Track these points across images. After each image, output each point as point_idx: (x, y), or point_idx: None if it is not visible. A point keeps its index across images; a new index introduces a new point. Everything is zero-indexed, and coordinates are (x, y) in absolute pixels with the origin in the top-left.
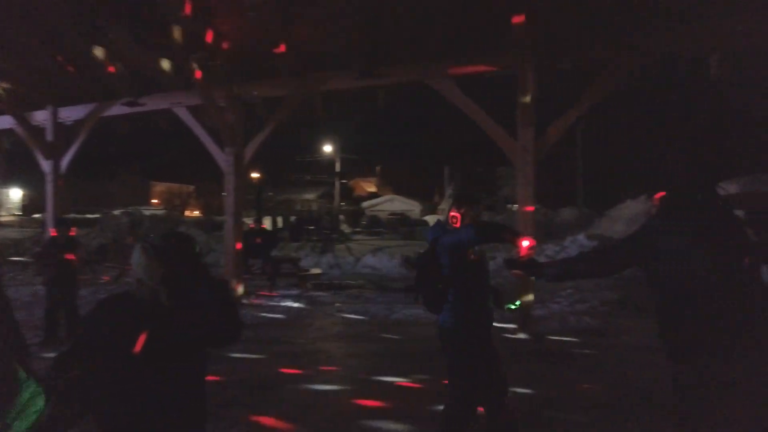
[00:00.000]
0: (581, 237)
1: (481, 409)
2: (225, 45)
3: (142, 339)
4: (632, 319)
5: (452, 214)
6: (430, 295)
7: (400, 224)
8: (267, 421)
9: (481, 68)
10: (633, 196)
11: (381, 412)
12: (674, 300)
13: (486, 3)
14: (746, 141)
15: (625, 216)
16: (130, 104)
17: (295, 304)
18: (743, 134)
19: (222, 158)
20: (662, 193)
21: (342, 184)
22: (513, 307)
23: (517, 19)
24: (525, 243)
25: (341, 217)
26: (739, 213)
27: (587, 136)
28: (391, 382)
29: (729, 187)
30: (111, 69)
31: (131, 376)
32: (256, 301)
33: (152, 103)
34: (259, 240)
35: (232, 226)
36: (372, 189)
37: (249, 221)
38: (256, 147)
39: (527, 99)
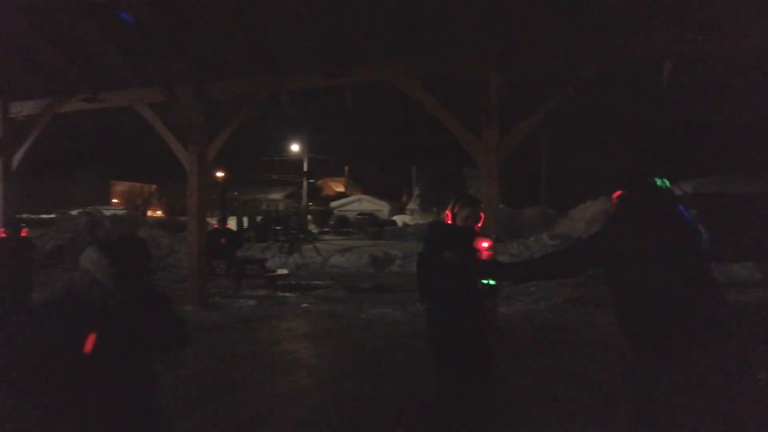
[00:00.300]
0: (545, 236)
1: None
2: (189, 41)
3: (91, 339)
4: (594, 316)
5: (446, 212)
6: (421, 291)
7: (369, 224)
8: (233, 423)
9: (446, 70)
10: (594, 196)
11: (349, 412)
12: (635, 297)
13: (451, 5)
14: (699, 144)
15: (587, 216)
16: (88, 100)
17: (262, 306)
18: (696, 137)
19: (185, 157)
20: (619, 192)
21: (310, 183)
22: (491, 283)
23: (482, 22)
24: (484, 244)
25: (309, 217)
26: (693, 212)
27: (551, 138)
28: (359, 382)
29: (684, 188)
30: (68, 63)
31: (82, 380)
32: (222, 303)
33: (112, 100)
34: (223, 240)
35: (196, 226)
36: (340, 189)
37: (213, 221)
38: (220, 145)
39: (491, 101)
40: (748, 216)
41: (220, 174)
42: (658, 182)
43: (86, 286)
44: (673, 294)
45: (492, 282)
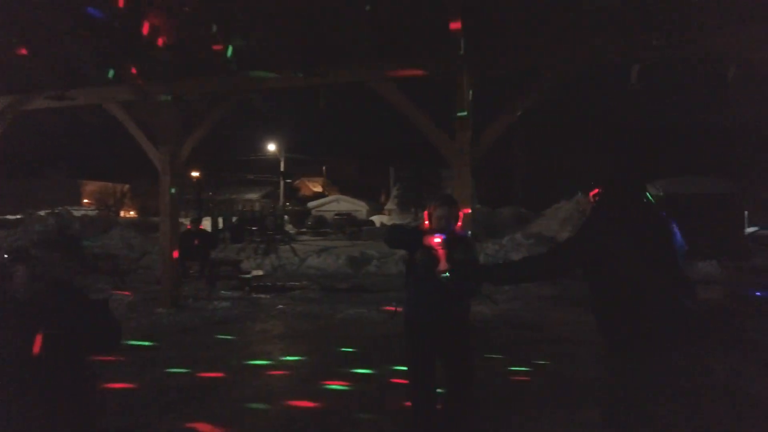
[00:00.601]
0: (519, 236)
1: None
2: (161, 40)
3: (38, 341)
4: (567, 314)
5: (425, 212)
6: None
7: (347, 224)
8: (204, 426)
9: (419, 72)
10: (567, 196)
11: (322, 414)
12: (612, 295)
13: (424, 8)
14: (666, 145)
15: (560, 216)
16: (55, 98)
17: (236, 307)
18: (661, 139)
19: (157, 157)
20: (597, 190)
21: (287, 183)
22: (447, 275)
23: (454, 25)
24: (436, 240)
25: (286, 217)
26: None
27: (526, 139)
28: (334, 383)
29: (653, 188)
30: (24, 53)
31: (27, 381)
32: (195, 305)
33: (81, 98)
34: (197, 242)
35: (168, 228)
36: (318, 189)
37: (186, 221)
38: (194, 145)
39: (464, 102)
40: (713, 215)
41: (195, 174)
42: (638, 184)
43: (26, 289)
44: (649, 292)
45: (447, 274)
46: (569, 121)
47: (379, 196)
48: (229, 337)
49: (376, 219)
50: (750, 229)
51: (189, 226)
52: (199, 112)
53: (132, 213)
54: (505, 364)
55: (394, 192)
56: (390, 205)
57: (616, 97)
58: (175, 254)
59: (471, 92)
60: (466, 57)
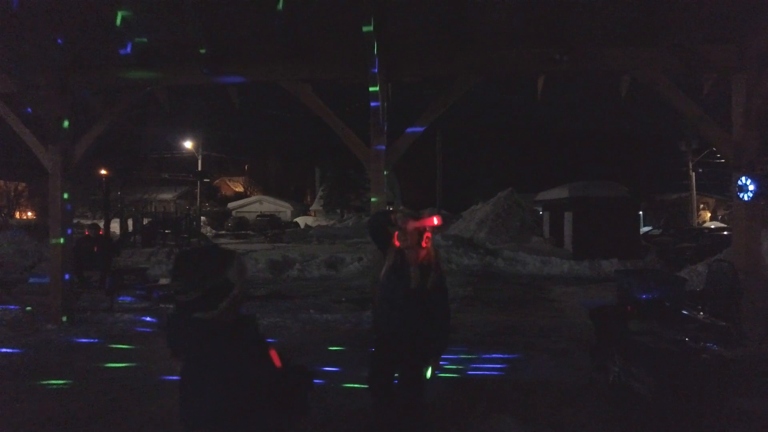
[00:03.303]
0: (438, 237)
1: None
2: (50, 25)
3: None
4: (477, 315)
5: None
6: None
7: (270, 226)
8: None
9: (332, 76)
10: (483, 198)
11: None
12: None
13: (339, 12)
14: (567, 152)
15: (477, 217)
16: None
17: (138, 321)
18: (564, 146)
19: (46, 156)
20: None
21: (205, 183)
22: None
23: (366, 29)
24: None
25: (203, 219)
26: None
27: (446, 143)
28: None
29: (560, 192)
30: None
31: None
32: (92, 319)
33: None
34: (96, 248)
35: (59, 234)
36: (239, 189)
37: (85, 223)
38: (90, 143)
39: (378, 109)
40: (612, 217)
41: (103, 172)
42: None
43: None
44: None
45: None
46: (485, 127)
47: (305, 197)
48: (126, 354)
49: (301, 220)
50: (644, 229)
51: (87, 233)
52: (95, 107)
53: (30, 214)
54: None
55: (319, 193)
56: (316, 206)
57: (525, 107)
58: (63, 274)
59: (386, 98)
60: (379, 63)
